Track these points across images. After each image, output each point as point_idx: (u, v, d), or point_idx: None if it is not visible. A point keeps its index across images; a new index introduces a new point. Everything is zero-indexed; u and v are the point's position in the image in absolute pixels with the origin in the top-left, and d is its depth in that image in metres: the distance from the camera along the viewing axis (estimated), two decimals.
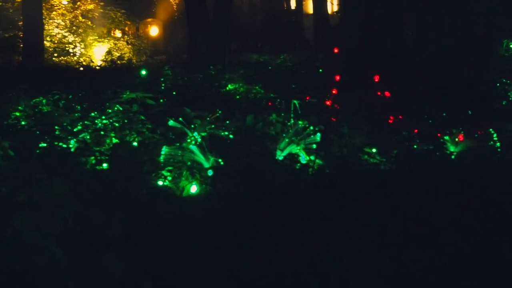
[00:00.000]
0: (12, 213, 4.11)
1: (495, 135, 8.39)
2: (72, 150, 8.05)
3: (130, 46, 28.14)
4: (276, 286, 4.74)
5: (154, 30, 29.77)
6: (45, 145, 8.22)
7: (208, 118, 8.70)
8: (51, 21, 27.34)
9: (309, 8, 33.62)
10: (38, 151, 7.98)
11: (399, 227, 5.79)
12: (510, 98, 11.29)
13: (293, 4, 35.58)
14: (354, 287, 4.75)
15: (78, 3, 28.45)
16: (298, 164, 7.66)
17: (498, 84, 11.64)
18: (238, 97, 12.80)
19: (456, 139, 8.50)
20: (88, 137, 8.52)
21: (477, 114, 9.49)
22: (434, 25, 10.61)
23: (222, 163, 7.43)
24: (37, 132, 9.20)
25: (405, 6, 11.54)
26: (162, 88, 13.58)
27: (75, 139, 8.45)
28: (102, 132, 8.58)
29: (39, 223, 3.95)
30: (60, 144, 8.29)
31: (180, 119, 8.33)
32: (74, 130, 8.89)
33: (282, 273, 4.86)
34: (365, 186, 6.86)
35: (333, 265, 5.00)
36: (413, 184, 6.90)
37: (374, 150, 7.97)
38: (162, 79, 14.34)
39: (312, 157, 7.79)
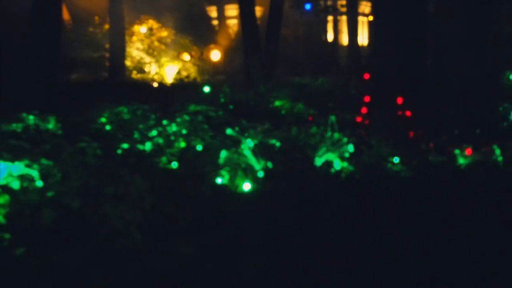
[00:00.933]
0: (100, 203, 4.16)
1: (498, 151, 8.36)
2: (148, 151, 8.12)
3: (195, 67, 28.27)
4: (314, 268, 4.70)
5: (215, 54, 29.81)
6: (126, 146, 8.30)
7: (259, 129, 8.72)
8: (131, 44, 27.57)
9: (344, 40, 33.49)
10: (120, 151, 8.06)
11: (418, 225, 5.79)
12: (511, 120, 11.21)
13: (330, 37, 35.49)
14: (380, 275, 4.70)
15: (154, 30, 28.67)
16: (333, 170, 7.66)
17: (501, 108, 11.54)
18: (283, 112, 12.79)
19: (465, 153, 8.44)
20: (161, 141, 8.58)
21: (483, 133, 9.41)
22: (451, 58, 10.50)
23: (270, 166, 7.45)
24: (119, 136, 9.27)
25: (426, 42, 11.49)
26: (221, 102, 13.62)
27: (150, 142, 8.52)
28: (172, 137, 8.64)
29: (123, 212, 4.00)
30: (138, 146, 8.38)
31: (237, 128, 8.38)
32: (149, 135, 8.96)
33: (319, 258, 4.85)
34: (389, 189, 6.96)
35: (362, 255, 4.99)
36: (429, 189, 6.94)
37: (396, 160, 7.95)
38: (221, 95, 14.37)
39: (345, 164, 7.78)
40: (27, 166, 5.84)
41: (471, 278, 4.70)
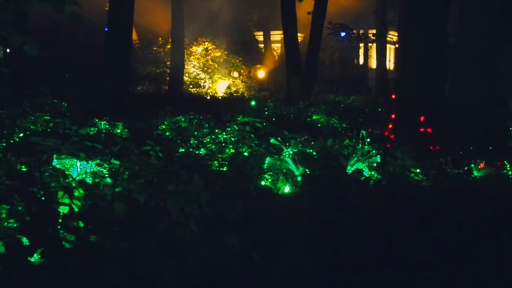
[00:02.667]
0: (163, 198, 4.16)
1: (508, 165, 8.28)
2: (202, 155, 8.16)
3: (243, 83, 28.43)
4: (345, 258, 4.67)
5: (261, 73, 29.95)
6: (183, 150, 8.35)
7: (298, 139, 8.70)
8: (189, 62, 27.87)
9: (373, 64, 33.29)
10: (178, 154, 8.10)
11: (436, 226, 5.74)
12: None
13: (361, 61, 35.32)
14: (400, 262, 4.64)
15: (209, 51, 28.91)
16: (363, 177, 7.62)
17: (510, 128, 11.42)
18: (319, 125, 12.77)
19: (479, 167, 8.36)
20: (213, 147, 8.63)
21: (495, 150, 9.28)
22: (466, 83, 10.39)
23: (308, 172, 7.43)
24: (178, 141, 9.33)
25: (445, 68, 11.37)
26: (266, 115, 13.66)
27: (204, 148, 8.57)
28: (223, 144, 8.68)
29: (183, 206, 3.99)
30: (194, 150, 8.43)
31: (279, 138, 8.38)
32: (204, 141, 9.01)
33: (350, 251, 4.81)
34: (410, 195, 6.87)
35: (385, 248, 4.95)
36: (446, 196, 6.88)
37: (418, 170, 7.87)
38: (266, 109, 14.42)
39: (373, 173, 7.73)
40: (98, 165, 5.90)
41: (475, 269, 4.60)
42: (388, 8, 29.33)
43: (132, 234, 3.70)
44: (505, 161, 8.35)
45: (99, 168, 5.86)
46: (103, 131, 10.03)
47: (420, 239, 5.36)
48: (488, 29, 10.17)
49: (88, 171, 5.78)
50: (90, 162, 5.93)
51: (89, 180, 5.32)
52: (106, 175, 5.58)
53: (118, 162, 5.58)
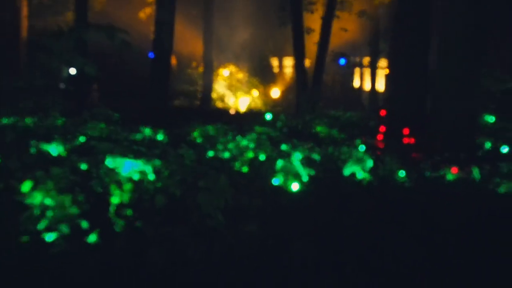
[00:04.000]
0: (195, 193, 4.17)
1: (476, 170, 8.14)
2: (227, 158, 8.14)
3: (260, 100, 28.45)
4: (343, 245, 4.64)
5: (275, 92, 29.90)
6: (211, 154, 8.34)
7: (305, 146, 8.65)
8: (217, 82, 27.94)
9: (366, 86, 33.14)
10: (207, 157, 8.09)
11: (416, 219, 5.69)
12: (485, 149, 10.93)
13: (356, 83, 35.16)
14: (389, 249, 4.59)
15: (233, 73, 28.98)
16: (357, 178, 7.55)
17: (478, 140, 11.28)
18: (322, 135, 12.67)
19: (452, 171, 8.24)
20: (235, 150, 8.60)
21: (466, 157, 9.15)
22: (445, 103, 10.30)
23: (313, 173, 7.39)
24: (207, 146, 9.32)
25: (426, 89, 11.31)
26: (278, 126, 13.59)
27: (228, 152, 8.55)
28: (244, 149, 8.66)
29: (212, 200, 4.00)
30: (220, 154, 8.41)
31: (289, 145, 8.36)
32: (228, 146, 8.99)
33: (347, 240, 4.79)
34: (396, 194, 6.81)
35: (376, 238, 4.90)
36: (425, 195, 6.81)
37: (403, 174, 7.79)
38: (278, 121, 14.35)
39: (366, 175, 7.66)
40: (143, 164, 5.91)
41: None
42: (379, 40, 29.24)
43: (170, 222, 3.72)
44: (473, 167, 8.24)
45: (143, 167, 5.87)
46: (147, 137, 10.04)
47: (403, 227, 5.33)
48: (465, 59, 10.05)
49: (135, 169, 5.81)
50: (136, 162, 5.94)
51: (136, 176, 5.34)
52: (149, 174, 5.60)
53: (159, 163, 5.60)
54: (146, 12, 27.17)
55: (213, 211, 3.90)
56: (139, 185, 4.57)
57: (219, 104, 26.73)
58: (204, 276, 3.48)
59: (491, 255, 4.69)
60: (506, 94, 13.94)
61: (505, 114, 15.66)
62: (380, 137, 10.38)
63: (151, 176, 5.33)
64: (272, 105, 27.84)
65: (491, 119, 15.45)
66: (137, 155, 5.94)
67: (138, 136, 9.64)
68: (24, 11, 25.61)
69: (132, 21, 26.04)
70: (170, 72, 17.15)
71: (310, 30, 20.59)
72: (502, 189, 7.49)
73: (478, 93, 12.46)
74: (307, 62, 21.28)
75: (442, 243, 5.02)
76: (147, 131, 10.22)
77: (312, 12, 20.82)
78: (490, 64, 17.19)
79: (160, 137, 10.15)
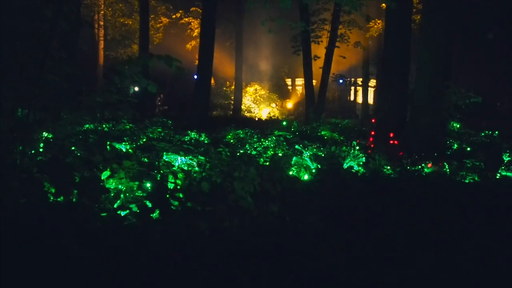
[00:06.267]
0: (231, 181, 4.16)
1: (447, 165, 8.01)
2: (253, 154, 8.13)
3: (278, 111, 28.37)
4: (345, 219, 4.57)
5: (289, 104, 29.86)
6: (242, 151, 8.34)
7: (313, 146, 8.59)
8: (245, 97, 27.96)
9: (359, 100, 32.78)
10: (238, 154, 8.08)
11: (400, 200, 5.63)
12: (454, 148, 10.73)
13: (352, 97, 34.81)
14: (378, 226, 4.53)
15: (257, 90, 28.97)
16: (353, 170, 7.48)
17: (448, 142, 11.09)
18: (326, 137, 12.58)
19: (428, 166, 8.11)
20: (260, 149, 8.60)
21: (438, 156, 9.00)
22: (421, 111, 10.14)
23: (320, 166, 7.34)
24: (238, 145, 9.34)
25: (407, 102, 11.13)
26: (292, 130, 13.54)
27: (254, 150, 8.56)
28: (266, 148, 8.65)
29: (243, 186, 3.99)
30: (248, 151, 8.41)
31: (301, 145, 8.30)
32: (255, 145, 9.00)
33: (348, 216, 4.73)
34: (383, 183, 6.76)
35: (369, 214, 4.84)
36: (406, 184, 6.72)
37: (389, 167, 7.69)
38: (292, 127, 14.32)
39: (360, 168, 7.59)
40: (190, 159, 5.93)
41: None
42: (370, 64, 28.93)
43: (212, 202, 3.73)
44: (444, 163, 8.09)
45: (191, 161, 5.90)
46: (193, 138, 10.11)
47: (388, 207, 5.28)
48: (435, 79, 9.95)
49: (184, 162, 5.84)
50: (186, 157, 5.96)
51: (185, 168, 5.37)
52: (195, 166, 5.62)
53: (203, 158, 5.60)
54: (192, 44, 27.38)
55: (244, 194, 3.90)
56: (188, 175, 4.58)
57: (246, 114, 26.78)
58: (237, 241, 3.50)
59: (458, 229, 4.66)
60: (469, 106, 13.75)
61: (468, 121, 15.39)
62: (371, 139, 10.25)
63: (197, 168, 5.35)
64: (287, 115, 27.76)
65: (457, 125, 15.18)
66: (186, 152, 5.97)
67: (186, 138, 9.71)
68: (101, 44, 26.07)
69: (182, 51, 26.29)
70: (210, 90, 17.25)
71: (316, 57, 20.45)
72: (466, 180, 7.36)
73: (446, 106, 12.29)
74: (314, 82, 21.17)
75: (419, 218, 4.96)
76: (193, 134, 10.29)
77: (318, 43, 20.67)
78: (458, 83, 16.93)
79: (203, 138, 10.22)
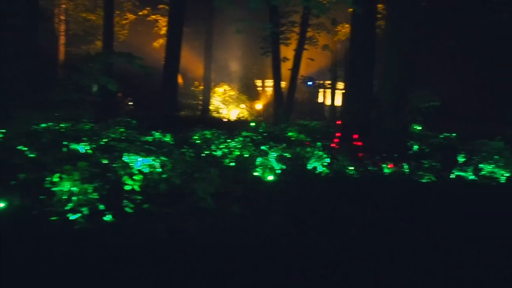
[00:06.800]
0: (192, 182, 4.12)
1: (406, 166, 8.16)
2: (219, 155, 8.08)
3: (247, 112, 28.35)
4: (308, 216, 4.63)
5: (258, 106, 29.89)
6: (207, 152, 8.27)
7: (279, 147, 8.60)
8: (214, 97, 27.82)
9: (327, 102, 33.19)
10: (203, 155, 8.01)
11: (362, 199, 5.76)
12: (414, 149, 10.95)
13: (320, 100, 35.23)
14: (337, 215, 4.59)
15: (227, 91, 28.91)
16: (317, 171, 7.54)
17: (408, 143, 11.32)
18: (293, 138, 12.60)
19: (389, 167, 8.25)
20: (226, 150, 8.53)
21: (399, 157, 9.09)
22: (384, 115, 10.33)
23: (284, 167, 7.37)
24: (204, 146, 9.22)
25: (371, 105, 11.34)
26: (260, 131, 13.48)
27: (220, 151, 8.49)
28: (232, 149, 8.59)
29: (205, 187, 3.95)
30: (213, 152, 8.34)
31: (267, 146, 8.30)
32: (220, 146, 8.92)
33: (312, 213, 4.79)
34: (346, 183, 6.87)
35: (332, 214, 4.91)
36: (368, 183, 6.85)
37: (352, 168, 7.81)
38: (260, 128, 14.28)
39: (324, 169, 7.67)
40: (153, 160, 5.82)
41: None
42: (337, 67, 29.39)
43: (171, 204, 3.67)
44: (404, 164, 8.27)
45: (154, 162, 5.79)
46: (157, 139, 9.90)
47: (351, 204, 5.38)
48: (399, 84, 10.20)
49: (146, 163, 5.72)
50: (148, 158, 5.85)
51: (146, 169, 5.26)
52: (158, 167, 5.52)
53: (165, 159, 5.51)
54: (160, 42, 26.96)
55: (204, 196, 3.86)
56: (147, 176, 4.49)
57: (215, 115, 26.57)
58: (197, 243, 3.45)
59: (415, 223, 4.88)
60: (429, 109, 14.16)
61: (428, 124, 15.87)
62: (335, 140, 10.39)
63: (158, 169, 5.26)
64: (256, 116, 27.77)
65: (418, 128, 15.63)
66: (148, 152, 5.86)
67: (149, 138, 9.51)
68: (62, 39, 25.27)
69: (149, 49, 25.85)
70: (177, 89, 17.05)
71: (285, 59, 20.59)
72: (424, 179, 7.57)
73: (407, 110, 12.61)
74: (283, 83, 21.29)
75: (379, 216, 5.08)
76: (157, 134, 10.09)
77: (287, 45, 20.83)
78: (421, 87, 17.42)
79: (167, 139, 10.04)
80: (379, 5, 13.28)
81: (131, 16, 27.18)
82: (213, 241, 3.46)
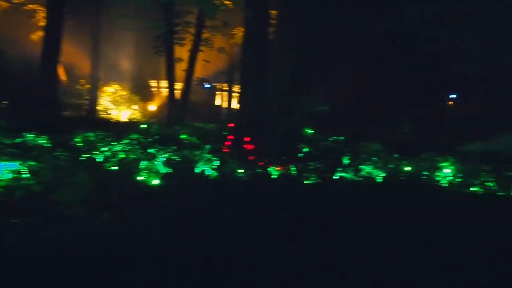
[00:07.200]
0: (57, 189, 3.81)
1: (293, 168, 8.48)
2: (99, 159, 7.64)
3: (140, 113, 27.42)
4: (189, 225, 4.53)
5: (152, 107, 29.07)
6: (86, 156, 7.76)
7: (168, 150, 8.42)
8: (102, 97, 26.39)
9: (224, 104, 33.56)
10: (82, 159, 7.50)
11: (250, 201, 5.86)
12: (304, 152, 11.40)
13: (218, 102, 35.43)
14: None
15: (117, 90, 27.59)
16: (206, 174, 7.53)
17: (299, 146, 11.76)
18: (185, 141, 12.38)
19: (277, 168, 8.51)
20: (109, 153, 8.12)
21: (289, 158, 9.46)
22: (275, 118, 10.69)
23: (171, 171, 7.22)
24: (85, 150, 8.64)
25: (262, 109, 11.60)
26: (152, 133, 13.06)
27: (102, 154, 8.05)
28: (116, 152, 8.19)
29: (71, 194, 3.68)
30: (96, 156, 7.88)
31: (155, 149, 8.10)
32: (101, 149, 8.45)
33: (193, 219, 4.72)
34: (236, 185, 6.97)
35: (223, 213, 4.92)
36: (257, 184, 7.10)
37: (242, 170, 7.93)
38: (152, 130, 13.87)
39: (213, 172, 7.69)
40: (20, 165, 5.30)
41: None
42: (235, 70, 29.88)
43: (28, 211, 3.34)
44: (292, 166, 8.61)
45: (21, 167, 5.26)
46: (28, 141, 9.00)
47: (241, 205, 5.51)
48: (287, 89, 10.66)
49: (10, 168, 5.18)
50: (13, 162, 5.30)
51: (8, 175, 4.76)
52: (24, 172, 5.02)
53: (33, 163, 5.06)
54: (39, 35, 24.76)
55: (69, 202, 3.58)
56: (8, 183, 4.05)
57: (103, 116, 25.17)
58: (57, 252, 3.17)
59: (302, 222, 5.12)
60: (320, 114, 15.06)
61: (320, 127, 16.90)
62: (227, 143, 10.51)
63: (25, 175, 4.80)
64: (150, 117, 26.94)
65: (310, 131, 16.55)
66: (12, 156, 5.32)
67: (18, 140, 8.65)
68: None
69: (27, 41, 23.61)
70: (57, 87, 15.81)
71: (180, 60, 20.37)
72: (309, 181, 8.00)
73: (299, 113, 13.23)
74: (179, 85, 21.02)
75: (267, 216, 5.26)
76: (30, 136, 9.21)
77: (182, 45, 20.63)
78: (314, 92, 18.43)
79: (42, 141, 9.22)
80: (274, 11, 13.79)
81: (4, 3, 24.54)
82: (73, 253, 3.21)
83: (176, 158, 8.00)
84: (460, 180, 8.67)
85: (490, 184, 8.29)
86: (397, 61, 21.39)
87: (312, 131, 16.59)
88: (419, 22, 15.78)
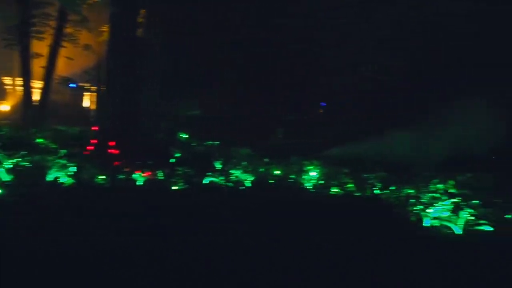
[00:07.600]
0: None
1: (161, 173, 8.25)
2: None
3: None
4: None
5: (5, 107, 26.10)
6: None
7: (17, 155, 7.56)
8: None
9: (94, 106, 31.66)
10: None
11: (112, 211, 5.50)
12: (176, 156, 11.16)
13: (86, 102, 33.24)
14: None
15: None
16: (60, 182, 6.97)
17: (171, 150, 11.48)
18: (42, 145, 11.21)
19: (144, 174, 8.24)
20: None
21: (156, 164, 9.17)
22: (149, 125, 10.39)
23: (17, 179, 6.48)
24: None
25: (136, 115, 11.17)
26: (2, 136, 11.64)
27: None
28: None
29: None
30: None
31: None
32: None
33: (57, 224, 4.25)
34: (96, 193, 6.55)
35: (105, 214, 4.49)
36: (118, 192, 6.70)
37: (104, 177, 7.50)
38: (2, 131, 12.36)
39: (69, 179, 7.13)
40: None
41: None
42: (100, 69, 28.35)
43: None
44: (159, 171, 8.42)
45: None
46: None
47: (99, 217, 5.13)
48: (156, 96, 10.52)
49: None
50: None
51: None
52: None
53: None
54: None
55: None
56: None
57: None
58: None
59: (169, 229, 5.04)
60: (192, 119, 15.16)
61: (194, 133, 16.85)
62: (90, 148, 9.85)
63: None
64: (3, 119, 24.03)
65: (185, 136, 16.40)
66: None
67: None
68: None
69: None
70: None
71: (38, 55, 18.59)
72: (176, 186, 7.88)
73: (170, 118, 13.06)
74: (38, 83, 19.16)
75: (128, 224, 5.00)
76: None
77: (41, 39, 18.84)
78: (189, 97, 18.23)
79: None
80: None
81: None
82: None
83: (26, 164, 7.23)
84: (323, 182, 9.34)
85: (349, 185, 9.09)
86: (271, 70, 22.45)
87: (187, 136, 16.46)
88: (289, 35, 16.77)
